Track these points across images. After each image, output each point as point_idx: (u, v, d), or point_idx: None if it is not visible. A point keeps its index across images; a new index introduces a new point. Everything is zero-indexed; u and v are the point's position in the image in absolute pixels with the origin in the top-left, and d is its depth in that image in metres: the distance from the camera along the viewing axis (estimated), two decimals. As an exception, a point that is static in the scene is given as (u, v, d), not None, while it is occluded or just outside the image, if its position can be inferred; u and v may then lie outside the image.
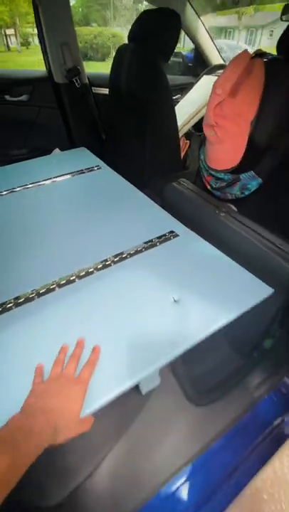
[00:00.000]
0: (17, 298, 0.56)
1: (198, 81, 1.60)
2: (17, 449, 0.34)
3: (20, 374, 0.44)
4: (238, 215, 0.72)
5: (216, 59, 1.62)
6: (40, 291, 0.58)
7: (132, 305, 0.55)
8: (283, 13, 1.11)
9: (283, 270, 0.57)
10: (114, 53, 1.22)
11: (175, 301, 0.55)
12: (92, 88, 1.50)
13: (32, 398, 0.41)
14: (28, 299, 0.56)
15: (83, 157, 1.19)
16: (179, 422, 0.61)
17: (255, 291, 0.56)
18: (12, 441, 0.35)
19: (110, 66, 1.23)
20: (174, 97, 1.83)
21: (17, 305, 0.55)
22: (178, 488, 0.57)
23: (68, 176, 1.04)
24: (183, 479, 0.57)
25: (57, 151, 1.52)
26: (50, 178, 1.02)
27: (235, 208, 0.81)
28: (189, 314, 0.53)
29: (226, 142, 0.71)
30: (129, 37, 1.13)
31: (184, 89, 1.84)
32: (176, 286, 0.58)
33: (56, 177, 1.03)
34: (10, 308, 0.54)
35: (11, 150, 1.49)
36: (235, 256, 0.63)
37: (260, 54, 0.67)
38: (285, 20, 1.14)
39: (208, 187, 0.85)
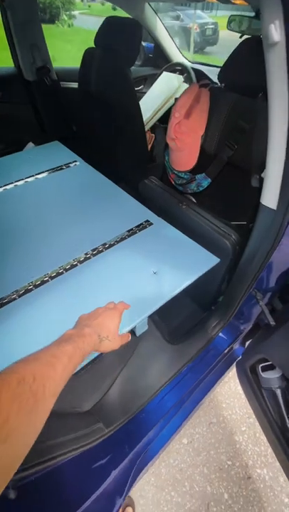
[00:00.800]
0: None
1: (159, 76, 1.73)
2: (75, 342, 0.44)
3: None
4: (196, 206, 0.95)
5: (175, 56, 1.76)
6: (52, 275, 0.72)
7: (124, 278, 0.72)
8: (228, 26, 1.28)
9: (224, 245, 0.83)
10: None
11: (154, 273, 0.73)
12: (61, 83, 1.56)
13: (80, 319, 0.56)
14: (52, 277, 0.71)
15: (59, 152, 1.26)
16: (161, 355, 0.87)
17: (207, 261, 0.76)
18: (70, 339, 0.45)
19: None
20: (138, 88, 1.94)
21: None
22: (163, 397, 0.84)
23: (48, 173, 1.10)
24: (166, 391, 0.84)
25: (31, 145, 1.58)
26: (32, 176, 1.08)
27: (194, 200, 1.05)
28: (164, 280, 0.71)
29: (184, 150, 0.92)
30: (96, 42, 1.24)
31: (146, 79, 1.95)
32: (154, 262, 0.75)
33: (37, 174, 1.08)
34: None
35: None
36: (194, 237, 0.82)
37: (204, 84, 0.87)
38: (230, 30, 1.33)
39: (173, 183, 1.07)
